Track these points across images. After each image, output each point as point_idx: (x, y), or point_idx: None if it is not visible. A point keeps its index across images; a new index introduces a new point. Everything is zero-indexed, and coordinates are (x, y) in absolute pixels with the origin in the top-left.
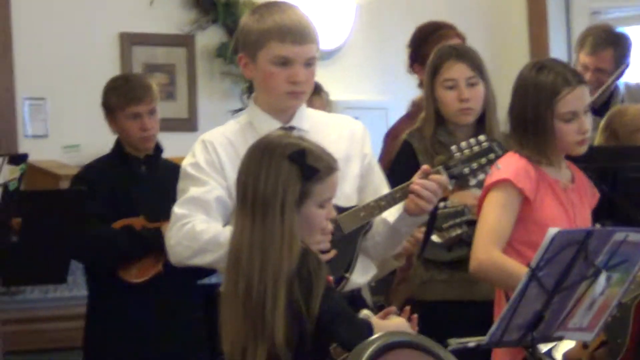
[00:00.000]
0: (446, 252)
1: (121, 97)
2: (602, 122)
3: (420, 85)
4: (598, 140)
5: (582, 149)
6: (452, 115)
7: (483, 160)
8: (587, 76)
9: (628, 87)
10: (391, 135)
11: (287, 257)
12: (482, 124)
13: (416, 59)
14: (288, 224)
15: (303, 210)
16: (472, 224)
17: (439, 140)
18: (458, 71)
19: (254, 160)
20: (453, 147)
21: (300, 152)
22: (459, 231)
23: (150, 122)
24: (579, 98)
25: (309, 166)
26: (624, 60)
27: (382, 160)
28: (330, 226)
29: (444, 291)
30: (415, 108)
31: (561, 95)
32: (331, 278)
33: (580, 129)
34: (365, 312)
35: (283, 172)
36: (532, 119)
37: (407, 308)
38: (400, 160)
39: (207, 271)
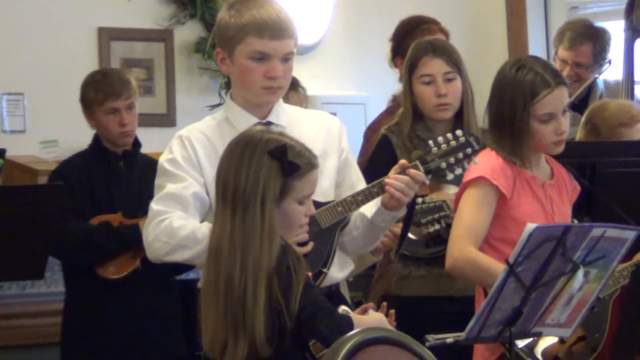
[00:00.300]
0: (424, 248)
1: (99, 92)
2: (584, 117)
3: (401, 79)
4: (579, 135)
5: (559, 149)
6: (430, 111)
7: (460, 155)
8: (566, 71)
9: (607, 84)
10: (371, 130)
11: (267, 253)
12: (460, 119)
13: (398, 53)
14: (268, 220)
15: (283, 206)
16: (449, 225)
17: (418, 135)
18: (435, 66)
19: (235, 156)
20: (430, 142)
21: (281, 147)
22: (437, 226)
23: (129, 117)
24: (557, 100)
25: (289, 162)
26: (603, 55)
27: (362, 155)
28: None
29: (421, 286)
30: (396, 103)
31: (539, 97)
32: (309, 273)
33: (557, 130)
34: (343, 308)
35: (264, 167)
36: (509, 119)
37: (384, 303)
38: (378, 155)
39: (185, 267)
